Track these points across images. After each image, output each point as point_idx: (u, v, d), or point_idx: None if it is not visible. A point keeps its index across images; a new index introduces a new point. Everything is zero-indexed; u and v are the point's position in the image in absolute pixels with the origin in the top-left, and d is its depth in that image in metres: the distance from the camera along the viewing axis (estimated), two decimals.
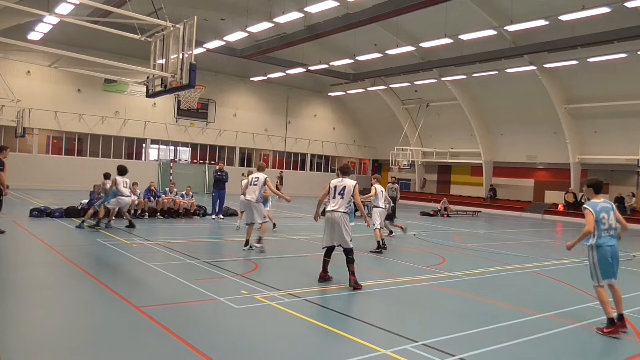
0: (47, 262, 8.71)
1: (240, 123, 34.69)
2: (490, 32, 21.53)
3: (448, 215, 25.01)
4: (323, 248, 7.93)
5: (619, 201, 24.98)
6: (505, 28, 20.98)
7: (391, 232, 14.61)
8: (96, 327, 5.37)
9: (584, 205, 6.21)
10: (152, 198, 16.19)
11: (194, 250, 10.29)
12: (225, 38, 23.70)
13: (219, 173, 16.91)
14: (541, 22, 18.93)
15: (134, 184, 15.09)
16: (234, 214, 17.14)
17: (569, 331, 6.12)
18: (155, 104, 30.13)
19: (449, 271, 9.59)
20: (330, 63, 27.87)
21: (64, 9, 16.77)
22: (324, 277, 7.88)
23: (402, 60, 28.41)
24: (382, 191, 12.42)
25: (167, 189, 17.30)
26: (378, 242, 11.53)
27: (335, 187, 7.92)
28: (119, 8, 13.59)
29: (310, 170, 39.14)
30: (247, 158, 35.59)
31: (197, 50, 20.85)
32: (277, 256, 10.86)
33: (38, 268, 8.17)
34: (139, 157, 31.27)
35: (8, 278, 7.32)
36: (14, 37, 10.60)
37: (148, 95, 10.57)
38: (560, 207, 28.29)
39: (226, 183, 16.77)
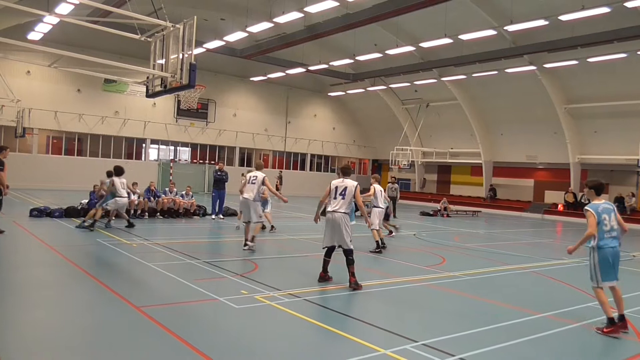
0: (47, 262, 8.71)
1: (240, 123, 34.69)
2: (490, 32, 21.53)
3: (448, 215, 25.01)
4: (323, 248, 7.93)
5: (619, 201, 24.99)
6: (505, 28, 20.98)
7: (391, 232, 14.62)
8: (96, 327, 5.37)
9: (586, 207, 6.18)
10: (152, 198, 16.18)
11: (194, 250, 10.29)
12: (225, 38, 23.70)
13: (218, 173, 16.92)
14: (541, 22, 18.93)
15: (134, 184, 15.09)
16: (233, 214, 17.14)
17: (569, 331, 6.12)
18: (155, 104, 30.13)
19: (449, 271, 9.59)
20: (330, 63, 27.87)
21: (63, 9, 16.77)
22: (324, 277, 7.88)
23: (402, 60, 28.41)
24: (381, 191, 12.43)
25: (167, 189, 17.30)
26: (377, 242, 11.53)
27: (336, 187, 7.91)
28: (119, 8, 13.59)
29: (310, 170, 39.14)
30: (247, 158, 35.58)
31: (197, 50, 20.87)
32: (277, 256, 10.88)
33: (38, 268, 8.17)
34: (138, 157, 31.27)
35: (8, 278, 7.32)
36: (14, 37, 10.59)
37: (148, 95, 10.56)
38: (560, 207, 28.29)
39: (226, 183, 16.78)
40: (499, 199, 32.15)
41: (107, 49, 24.65)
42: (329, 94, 38.10)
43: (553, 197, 29.92)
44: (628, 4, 17.09)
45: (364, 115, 40.22)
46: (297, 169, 38.40)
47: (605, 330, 5.99)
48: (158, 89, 10.00)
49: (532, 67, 25.52)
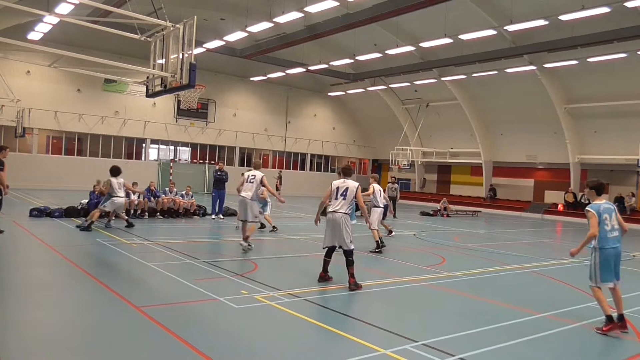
0: (47, 262, 8.71)
1: (240, 123, 34.70)
2: (490, 32, 21.54)
3: (448, 215, 25.01)
4: (324, 248, 7.93)
5: (619, 201, 24.99)
6: (505, 28, 20.99)
7: (390, 231, 14.62)
8: (96, 327, 5.37)
9: (587, 208, 6.18)
10: (152, 198, 16.18)
11: (193, 250, 10.29)
12: (225, 38, 23.70)
13: (218, 173, 16.92)
14: (541, 22, 18.94)
15: (134, 183, 15.09)
16: (233, 214, 17.10)
17: (569, 331, 6.12)
18: (155, 103, 30.14)
19: (449, 271, 9.59)
20: (330, 63, 27.87)
21: (63, 8, 16.77)
22: (324, 277, 7.88)
23: (402, 60, 28.41)
24: (380, 190, 12.46)
25: (167, 188, 17.30)
26: (377, 241, 11.53)
27: (337, 188, 7.90)
28: (119, 8, 13.59)
29: (310, 170, 39.15)
30: (247, 158, 35.58)
31: (197, 50, 20.86)
32: (277, 256, 10.88)
33: (38, 268, 8.17)
34: (138, 157, 31.27)
35: (8, 278, 7.32)
36: (14, 37, 10.60)
37: (148, 95, 10.56)
38: (560, 207, 28.30)
39: (226, 183, 16.78)
40: (499, 199, 32.16)
41: (107, 49, 24.65)
42: (329, 93, 38.10)
43: (553, 197, 29.93)
44: (628, 4, 17.10)
45: (364, 115, 40.23)
46: (297, 169, 38.41)
47: (604, 328, 5.99)
48: (158, 88, 10.00)
49: (532, 67, 25.52)
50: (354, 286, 7.45)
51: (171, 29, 9.22)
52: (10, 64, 24.48)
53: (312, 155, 39.10)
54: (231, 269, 8.54)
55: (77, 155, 29.01)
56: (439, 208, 25.62)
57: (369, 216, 11.42)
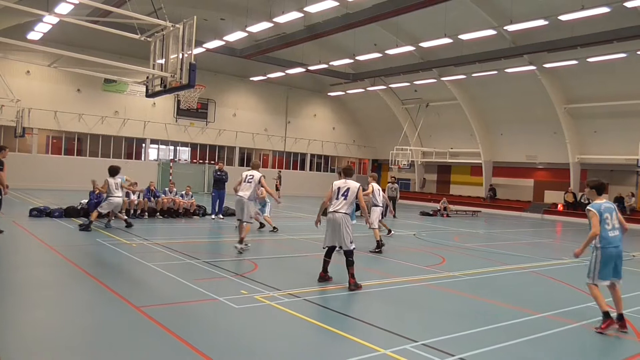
0: (47, 262, 8.71)
1: (240, 123, 34.70)
2: (490, 32, 21.54)
3: (448, 215, 25.02)
4: (324, 248, 7.93)
5: (619, 201, 25.00)
6: (505, 28, 20.99)
7: (390, 230, 14.62)
8: (96, 327, 5.37)
9: (588, 207, 6.18)
10: (151, 198, 16.18)
11: (193, 250, 10.29)
12: (225, 38, 23.70)
13: (218, 173, 16.93)
14: (541, 22, 18.94)
15: (134, 183, 15.09)
16: (233, 213, 17.01)
17: (569, 331, 6.12)
18: (154, 103, 30.14)
19: (449, 271, 9.59)
20: (330, 63, 27.87)
21: (63, 8, 16.76)
22: (324, 277, 7.87)
23: (401, 60, 28.41)
24: (379, 190, 12.49)
25: (166, 188, 17.30)
26: (378, 241, 11.53)
27: (339, 188, 7.89)
28: (119, 8, 13.59)
29: (310, 170, 39.15)
30: (246, 158, 35.58)
31: (197, 50, 20.88)
32: (277, 256, 10.87)
33: (38, 268, 8.17)
34: (138, 157, 31.27)
35: (8, 278, 7.32)
36: (13, 37, 10.60)
37: (148, 95, 10.56)
38: (560, 207, 28.31)
39: (226, 183, 16.78)
40: (499, 199, 32.17)
41: (107, 49, 24.65)
42: (328, 93, 38.10)
43: (553, 197, 29.93)
44: (628, 4, 17.10)
45: (363, 115, 40.23)
46: (296, 169, 38.41)
47: (602, 326, 6.00)
48: (158, 88, 10.00)
49: (532, 67, 25.53)
50: (354, 286, 7.45)
51: (171, 29, 9.22)
52: (10, 64, 24.48)
53: (312, 155, 39.11)
54: (231, 269, 8.55)
55: (77, 155, 29.02)
56: (438, 208, 25.63)
57: (369, 216, 11.45)
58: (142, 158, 31.40)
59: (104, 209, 12.67)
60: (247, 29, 21.91)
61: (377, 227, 11.93)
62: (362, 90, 34.78)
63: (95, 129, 28.91)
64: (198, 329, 5.33)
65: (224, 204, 17.08)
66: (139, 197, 15.68)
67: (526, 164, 31.37)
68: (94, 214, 12.49)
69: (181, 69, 8.95)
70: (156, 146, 32.10)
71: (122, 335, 5.14)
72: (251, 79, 33.67)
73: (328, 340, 5.40)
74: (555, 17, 18.40)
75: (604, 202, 6.21)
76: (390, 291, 7.88)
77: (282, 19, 20.13)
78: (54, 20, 18.53)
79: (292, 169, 38.00)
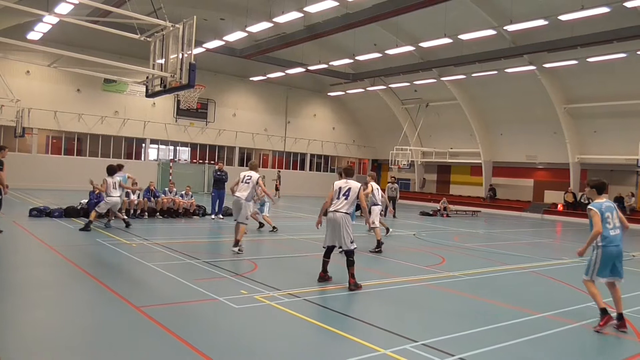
0: (47, 262, 8.71)
1: (240, 123, 34.70)
2: (490, 32, 21.54)
3: (447, 215, 25.02)
4: (324, 247, 7.93)
5: (619, 201, 25.00)
6: (505, 28, 21.00)
7: (388, 229, 14.63)
8: (96, 327, 5.37)
9: (589, 206, 6.19)
10: (151, 198, 16.18)
11: (193, 250, 10.29)
12: (224, 38, 23.70)
13: (218, 173, 16.94)
14: (541, 22, 18.94)
15: (133, 183, 15.08)
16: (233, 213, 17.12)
17: (569, 331, 6.12)
18: (154, 103, 30.14)
19: (449, 271, 9.59)
20: (330, 63, 27.87)
21: (63, 8, 16.77)
22: (324, 277, 7.87)
23: (401, 60, 28.41)
24: (377, 189, 12.51)
25: (166, 188, 17.30)
26: (378, 240, 11.54)
27: (340, 188, 7.87)
28: (119, 8, 13.59)
29: (310, 170, 39.16)
30: (246, 158, 35.57)
31: (197, 50, 20.87)
32: (277, 256, 10.87)
33: (38, 268, 8.17)
34: (138, 157, 31.27)
35: (8, 278, 7.32)
36: (13, 37, 10.61)
37: (147, 95, 10.56)
38: (560, 207, 28.31)
39: (226, 183, 16.78)
40: (499, 198, 32.17)
41: (106, 49, 24.65)
42: (328, 93, 38.10)
43: (553, 197, 29.94)
44: (628, 4, 17.10)
45: (363, 115, 40.23)
46: (296, 169, 38.41)
47: (601, 323, 6.02)
48: (158, 88, 9.99)
49: (532, 67, 25.53)
50: (354, 286, 7.44)
51: (171, 29, 9.22)
52: (10, 64, 24.48)
53: (312, 155, 39.11)
54: (231, 269, 8.55)
55: (77, 155, 29.03)
56: (438, 208, 25.63)
57: (369, 216, 11.46)
58: (142, 158, 31.40)
59: (101, 208, 12.65)
60: (247, 29, 21.91)
61: (378, 226, 11.93)
62: (362, 90, 34.78)
63: (95, 129, 28.92)
64: (198, 329, 5.33)
65: (223, 204, 17.08)
66: (138, 197, 15.68)
67: (526, 164, 31.38)
68: (93, 214, 12.48)
69: (181, 69, 8.95)
70: (156, 146, 32.10)
71: (122, 335, 5.14)
72: (251, 79, 33.67)
73: (328, 340, 5.40)
74: (555, 17, 18.41)
75: (604, 202, 6.22)
76: (390, 291, 7.88)
77: (282, 19, 20.13)
78: (54, 20, 18.53)
79: (292, 169, 38.00)
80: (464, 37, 21.64)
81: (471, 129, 32.40)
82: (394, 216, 21.78)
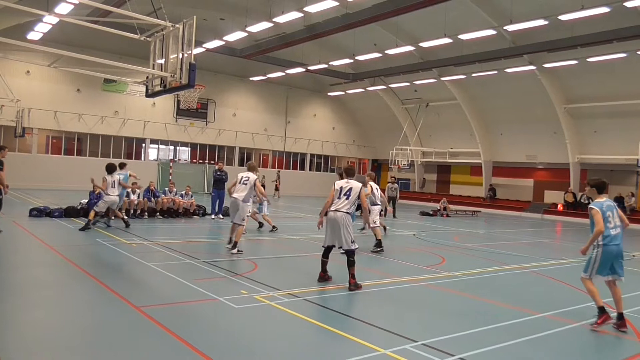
0: (47, 262, 8.71)
1: (240, 123, 34.70)
2: (490, 32, 21.54)
3: (447, 215, 25.02)
4: (323, 247, 7.92)
5: (619, 201, 24.98)
6: (505, 28, 21.00)
7: (385, 228, 14.64)
8: (96, 327, 5.37)
9: (590, 205, 6.21)
10: (151, 198, 16.18)
11: (193, 250, 10.29)
12: (224, 38, 23.70)
13: (218, 173, 16.94)
14: (541, 22, 18.95)
15: (133, 183, 15.07)
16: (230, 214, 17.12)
17: (569, 331, 6.12)
18: (154, 103, 30.14)
19: (449, 271, 9.59)
20: (330, 63, 27.88)
21: (63, 8, 16.77)
22: (324, 277, 7.87)
23: (401, 60, 28.41)
24: (376, 189, 12.53)
25: (166, 188, 17.30)
26: (379, 240, 11.53)
27: (341, 188, 7.86)
28: (119, 8, 13.59)
29: (310, 170, 39.15)
30: (246, 158, 35.57)
31: (197, 50, 20.88)
32: (277, 256, 10.87)
33: (38, 268, 8.17)
34: (138, 157, 31.27)
35: (8, 278, 7.32)
36: (13, 37, 10.61)
37: (147, 95, 10.56)
38: (560, 207, 28.31)
39: (226, 183, 16.77)
40: (499, 198, 32.17)
41: (107, 49, 24.66)
42: (328, 93, 38.10)
43: (553, 197, 29.94)
44: (628, 4, 17.11)
45: (363, 115, 40.23)
46: (296, 169, 38.41)
47: (598, 322, 6.03)
48: (158, 88, 10.00)
49: (532, 67, 25.53)
50: (354, 287, 7.44)
51: (171, 29, 9.22)
52: (10, 64, 24.49)
53: (312, 155, 39.10)
54: (231, 269, 8.55)
55: (77, 155, 29.03)
56: (438, 208, 25.63)
57: (370, 216, 11.46)
58: (142, 158, 31.40)
59: (100, 207, 12.62)
60: (247, 29, 21.91)
61: (378, 225, 11.94)
62: (362, 90, 34.78)
63: (95, 129, 28.92)
64: (198, 329, 5.33)
65: (223, 204, 17.06)
66: (138, 197, 15.68)
67: (526, 164, 31.38)
68: (92, 214, 12.48)
69: (181, 69, 8.95)
70: (156, 146, 32.10)
71: (122, 335, 5.14)
72: (251, 79, 33.68)
73: (328, 340, 5.40)
74: (555, 17, 18.41)
75: (605, 201, 6.23)
76: (390, 291, 7.88)
77: (282, 19, 20.14)
78: (54, 20, 18.54)
79: (292, 169, 38.00)
80: (464, 37, 21.64)
81: (471, 129, 32.40)
82: (394, 216, 21.79)
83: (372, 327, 5.78)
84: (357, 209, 8.75)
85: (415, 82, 31.52)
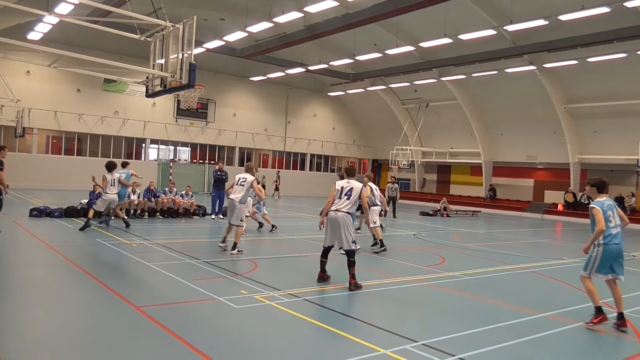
0: (47, 262, 8.71)
1: (240, 123, 34.70)
2: (490, 32, 21.53)
3: (448, 215, 25.02)
4: (324, 247, 7.92)
5: (619, 201, 24.96)
6: (505, 28, 20.99)
7: (382, 226, 14.62)
8: (96, 327, 5.37)
9: (591, 205, 6.21)
10: (151, 198, 16.18)
11: (193, 250, 10.29)
12: (224, 38, 23.70)
13: (218, 173, 16.93)
14: (541, 22, 18.93)
15: (134, 182, 15.05)
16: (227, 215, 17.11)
17: (569, 331, 6.12)
18: (154, 103, 30.14)
19: (449, 271, 9.59)
20: (330, 63, 27.87)
21: (63, 8, 16.76)
22: (323, 277, 7.87)
23: (401, 60, 28.41)
24: (376, 189, 12.54)
25: (166, 188, 17.30)
26: (381, 240, 11.53)
27: (342, 188, 7.85)
28: (119, 8, 13.59)
29: (310, 170, 39.14)
30: (246, 158, 35.58)
31: (197, 50, 20.88)
32: (277, 256, 10.87)
33: (38, 268, 8.17)
34: (138, 157, 31.26)
35: (8, 278, 7.32)
36: (13, 37, 10.61)
37: (148, 95, 10.56)
38: (560, 207, 28.31)
39: (226, 183, 16.77)
40: (499, 199, 32.16)
41: (107, 49, 24.66)
42: (328, 93, 38.10)
43: (553, 197, 29.93)
44: (628, 4, 17.10)
45: (363, 115, 40.22)
46: (296, 169, 38.40)
47: (594, 321, 6.03)
48: (158, 88, 10.00)
49: (532, 67, 25.53)
50: (354, 287, 7.44)
51: (171, 29, 9.22)
52: (10, 64, 24.48)
53: (312, 155, 39.09)
54: (231, 269, 8.55)
55: (77, 155, 29.02)
56: (438, 208, 25.62)
57: (370, 216, 11.46)
58: (142, 158, 31.39)
59: (99, 206, 12.61)
60: (247, 29, 21.90)
61: (378, 225, 11.94)
62: (362, 90, 34.78)
63: (95, 129, 28.91)
64: (198, 329, 5.33)
65: (224, 204, 17.06)
66: (139, 197, 15.68)
67: (526, 164, 31.37)
68: (91, 212, 12.47)
69: (181, 69, 8.95)
70: (156, 146, 32.10)
71: (122, 335, 5.14)
72: (251, 79, 33.67)
73: (328, 340, 5.40)
74: (555, 17, 18.40)
75: (605, 200, 6.24)
76: (390, 291, 7.88)
77: (282, 19, 20.13)
78: (54, 20, 18.53)
79: (292, 169, 38.00)
80: (464, 37, 21.64)
81: (471, 129, 32.40)
82: (394, 216, 21.79)
83: (373, 327, 5.77)
84: (357, 209, 8.74)
85: (415, 82, 31.51)
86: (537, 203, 30.31)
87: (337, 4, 18.17)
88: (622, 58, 21.99)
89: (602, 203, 6.17)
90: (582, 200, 26.65)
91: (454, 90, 31.04)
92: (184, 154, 33.53)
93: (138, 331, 5.28)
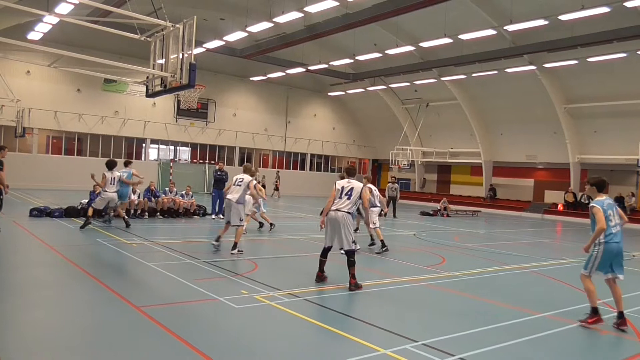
0: (47, 262, 8.71)
1: (240, 123, 34.70)
2: (490, 32, 21.53)
3: (448, 215, 25.02)
4: (324, 247, 7.92)
5: (619, 201, 24.96)
6: (505, 28, 20.99)
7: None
8: (96, 327, 5.37)
9: (592, 204, 6.22)
10: (152, 198, 16.18)
11: (193, 250, 10.29)
12: (225, 38, 23.70)
13: (218, 173, 16.94)
14: (541, 22, 18.94)
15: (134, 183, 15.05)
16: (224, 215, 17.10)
17: (569, 331, 6.12)
18: (155, 103, 30.14)
19: (449, 271, 9.59)
20: (330, 63, 27.87)
21: (63, 8, 16.77)
22: (321, 277, 7.86)
23: (401, 60, 28.41)
24: (375, 190, 12.54)
25: (166, 188, 17.32)
26: (382, 240, 11.52)
27: (342, 187, 7.85)
28: (119, 8, 13.60)
29: (310, 170, 39.14)
30: (246, 158, 35.58)
31: (197, 50, 20.89)
32: (277, 256, 10.87)
33: (38, 268, 8.17)
34: (138, 157, 31.23)
35: (8, 278, 7.32)
36: (13, 37, 10.60)
37: (148, 95, 10.57)
38: (560, 207, 28.31)
39: (226, 183, 16.77)
40: (499, 198, 32.17)
41: (107, 49, 24.66)
42: (328, 93, 38.10)
43: (553, 197, 29.93)
44: (628, 4, 17.10)
45: (364, 115, 40.22)
46: (296, 169, 38.40)
47: (589, 321, 6.04)
48: (158, 88, 10.00)
49: (532, 67, 25.53)
50: (354, 287, 7.44)
51: (171, 29, 9.23)
52: (10, 64, 24.49)
53: (312, 155, 39.09)
54: (231, 269, 8.55)
55: (77, 155, 29.02)
56: (439, 208, 25.62)
57: (369, 217, 11.47)
58: (142, 158, 31.39)
59: (98, 204, 12.61)
60: (247, 29, 21.91)
61: (378, 226, 11.94)
62: (362, 90, 34.78)
63: (95, 129, 28.92)
64: (198, 329, 5.33)
65: (224, 204, 17.06)
66: (139, 197, 15.68)
67: (526, 164, 31.37)
68: (90, 210, 12.47)
69: (181, 69, 8.96)
70: (156, 146, 32.10)
71: (122, 335, 5.14)
72: (251, 79, 33.67)
73: (328, 340, 5.40)
74: (555, 17, 18.40)
75: (605, 199, 6.25)
76: (390, 291, 7.88)
77: (282, 19, 20.13)
78: (54, 20, 18.53)
79: (292, 169, 37.99)
80: (464, 37, 21.64)
81: (471, 129, 32.40)
82: (395, 216, 21.79)
83: (373, 327, 5.78)
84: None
85: (415, 82, 31.51)
86: (537, 203, 30.32)
87: (337, 4, 18.17)
88: (622, 58, 22.00)
89: (602, 202, 6.18)
90: (582, 200, 26.65)
91: (454, 90, 31.04)
92: (184, 154, 33.54)
93: (138, 331, 5.28)
